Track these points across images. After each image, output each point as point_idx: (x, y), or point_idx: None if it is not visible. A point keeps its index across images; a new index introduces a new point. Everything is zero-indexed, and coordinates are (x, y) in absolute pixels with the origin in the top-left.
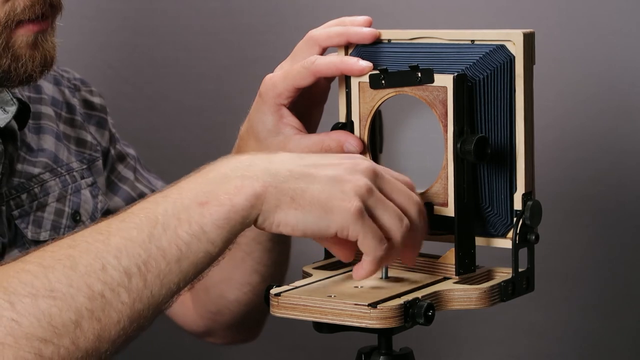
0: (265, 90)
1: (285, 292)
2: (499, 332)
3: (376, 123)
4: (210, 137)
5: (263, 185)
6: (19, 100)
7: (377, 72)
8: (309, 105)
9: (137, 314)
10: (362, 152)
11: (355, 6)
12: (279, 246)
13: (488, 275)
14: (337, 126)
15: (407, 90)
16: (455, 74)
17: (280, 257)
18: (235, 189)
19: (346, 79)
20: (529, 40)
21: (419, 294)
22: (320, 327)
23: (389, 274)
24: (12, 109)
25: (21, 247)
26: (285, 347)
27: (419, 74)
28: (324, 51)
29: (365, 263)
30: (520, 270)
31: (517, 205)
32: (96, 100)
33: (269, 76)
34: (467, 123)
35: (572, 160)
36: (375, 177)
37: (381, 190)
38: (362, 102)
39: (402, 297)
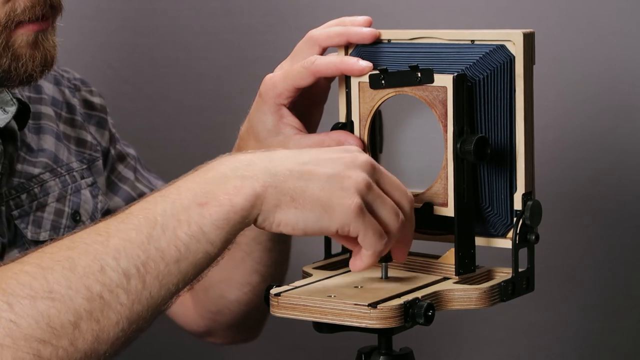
0: (265, 90)
1: (285, 292)
2: (499, 332)
3: (376, 123)
4: (210, 137)
5: (263, 185)
6: (18, 100)
7: (377, 72)
8: (309, 105)
9: (136, 315)
10: None
11: (355, 6)
12: (279, 246)
13: (488, 275)
14: (337, 126)
15: (407, 90)
16: (455, 74)
17: (281, 257)
18: (235, 189)
19: (346, 79)
20: (529, 40)
21: (419, 294)
22: (320, 327)
23: (389, 274)
24: (12, 109)
25: (21, 247)
26: (285, 347)
27: (419, 74)
28: (324, 51)
29: (365, 257)
30: (520, 270)
31: (517, 205)
32: (96, 100)
33: (269, 76)
34: (467, 123)
35: (572, 160)
36: (373, 171)
37: (378, 184)
38: (362, 102)
39: (402, 297)
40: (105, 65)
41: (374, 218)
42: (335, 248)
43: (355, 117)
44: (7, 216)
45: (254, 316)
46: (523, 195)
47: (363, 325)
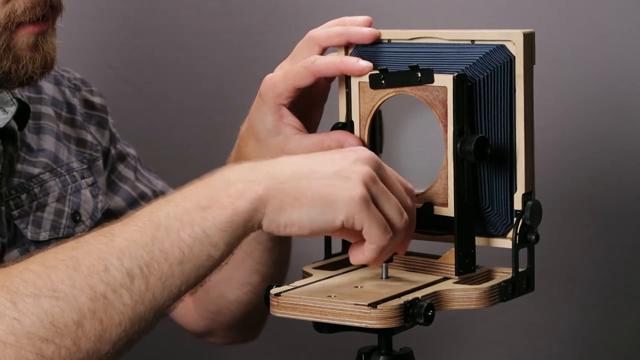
0: (265, 90)
1: (285, 292)
2: (499, 332)
3: (376, 123)
4: (210, 137)
5: (265, 188)
6: (18, 100)
7: (377, 72)
8: (309, 105)
9: (138, 316)
10: None
11: (355, 6)
12: (279, 246)
13: (488, 275)
14: (337, 126)
15: (407, 90)
16: (455, 74)
17: (281, 257)
18: (238, 193)
19: (346, 79)
20: (529, 40)
21: (419, 294)
22: (320, 327)
23: (389, 274)
24: (12, 109)
25: (21, 248)
26: (285, 347)
27: (419, 74)
28: (324, 51)
29: (368, 250)
30: (520, 270)
31: (517, 205)
32: (96, 100)
33: (269, 76)
34: (467, 123)
35: (572, 160)
36: (378, 167)
37: (383, 181)
38: (362, 102)
39: (402, 297)
40: (105, 65)
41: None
42: (335, 248)
43: (355, 117)
44: (7, 216)
45: (254, 316)
46: (523, 195)
47: (363, 325)
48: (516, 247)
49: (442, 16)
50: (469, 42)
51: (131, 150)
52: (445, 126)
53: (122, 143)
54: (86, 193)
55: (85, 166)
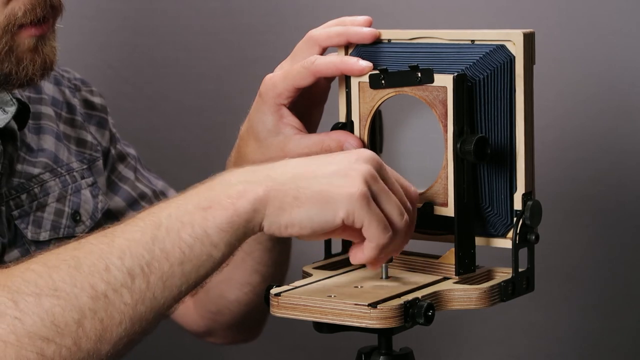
0: (265, 90)
1: (285, 292)
2: (499, 332)
3: (376, 123)
4: (210, 137)
5: (265, 189)
6: (18, 100)
7: (377, 72)
8: (309, 105)
9: (139, 315)
10: None
11: (355, 6)
12: (279, 246)
13: (488, 275)
14: (337, 126)
15: (407, 90)
16: (455, 74)
17: (281, 257)
18: (238, 194)
19: (346, 79)
20: (529, 40)
21: (419, 294)
22: (320, 327)
23: (389, 274)
24: (12, 109)
25: (21, 248)
26: (285, 347)
27: (419, 74)
28: (324, 51)
29: (367, 249)
30: (520, 270)
31: (517, 205)
32: (96, 100)
33: (269, 76)
34: (467, 123)
35: (572, 160)
36: (379, 167)
37: (384, 181)
38: (362, 102)
39: (402, 297)
40: (105, 65)
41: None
42: (335, 248)
43: (355, 117)
44: (7, 216)
45: (254, 316)
46: (523, 195)
47: (363, 325)
48: (516, 247)
49: (442, 16)
50: (469, 42)
51: (131, 150)
52: (445, 126)
53: (122, 143)
54: (86, 193)
55: (85, 166)
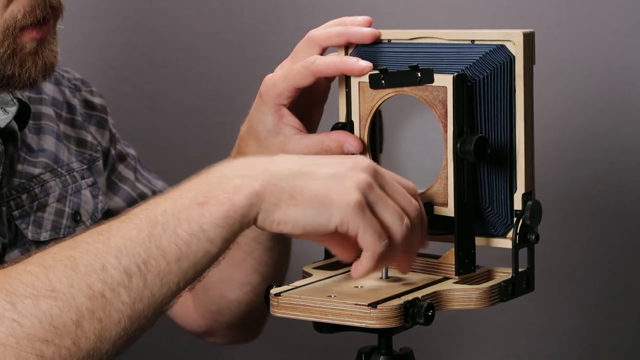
0: (265, 90)
1: (285, 292)
2: (499, 332)
3: (376, 123)
4: (210, 137)
5: (262, 184)
6: (19, 100)
7: (377, 72)
8: (309, 105)
9: (137, 313)
10: (362, 152)
11: (355, 6)
12: (279, 246)
13: (488, 275)
14: (337, 126)
15: (407, 90)
16: (455, 74)
17: (281, 257)
18: (234, 188)
19: (346, 79)
20: (529, 40)
21: (419, 294)
22: (320, 327)
23: (389, 274)
24: (13, 110)
25: (21, 248)
26: (285, 347)
27: (419, 74)
28: (324, 51)
29: (365, 259)
30: (520, 270)
31: (517, 205)
32: (97, 100)
33: (269, 76)
34: (467, 123)
35: (572, 160)
36: (376, 175)
37: (382, 188)
38: (362, 102)
39: (402, 297)
40: (105, 65)
41: (377, 219)
42: None
43: (355, 117)
44: (8, 216)
45: (254, 316)
46: (523, 195)
47: (363, 325)
48: (516, 247)
49: (442, 16)
50: (469, 42)
51: (131, 151)
52: (445, 126)
53: (122, 143)
54: (86, 193)
55: (85, 166)
